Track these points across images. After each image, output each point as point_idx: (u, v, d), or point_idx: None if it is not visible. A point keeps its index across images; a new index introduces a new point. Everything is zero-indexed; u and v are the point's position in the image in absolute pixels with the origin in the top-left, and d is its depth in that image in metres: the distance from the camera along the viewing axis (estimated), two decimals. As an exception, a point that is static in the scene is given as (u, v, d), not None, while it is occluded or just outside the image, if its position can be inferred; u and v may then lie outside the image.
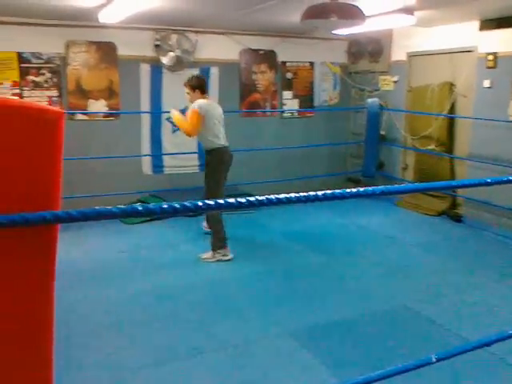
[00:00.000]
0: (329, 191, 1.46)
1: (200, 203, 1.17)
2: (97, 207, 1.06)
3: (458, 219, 5.93)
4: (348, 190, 1.48)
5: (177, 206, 1.13)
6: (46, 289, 1.11)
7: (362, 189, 1.50)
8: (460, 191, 6.09)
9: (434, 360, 1.64)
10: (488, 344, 1.69)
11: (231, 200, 1.29)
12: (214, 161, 4.71)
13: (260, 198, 1.34)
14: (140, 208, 1.08)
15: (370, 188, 1.52)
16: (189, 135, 4.63)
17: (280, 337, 3.27)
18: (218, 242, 4.67)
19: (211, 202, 1.27)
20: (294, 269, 4.50)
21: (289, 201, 1.39)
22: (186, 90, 4.69)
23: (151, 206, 1.10)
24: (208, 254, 4.68)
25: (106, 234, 5.41)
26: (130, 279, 4.24)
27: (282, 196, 1.38)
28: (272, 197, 1.36)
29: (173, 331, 3.33)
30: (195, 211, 1.16)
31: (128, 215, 1.10)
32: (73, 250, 4.90)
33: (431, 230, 5.68)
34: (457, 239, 5.37)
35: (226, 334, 3.31)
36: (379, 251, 4.98)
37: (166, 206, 1.12)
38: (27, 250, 1.04)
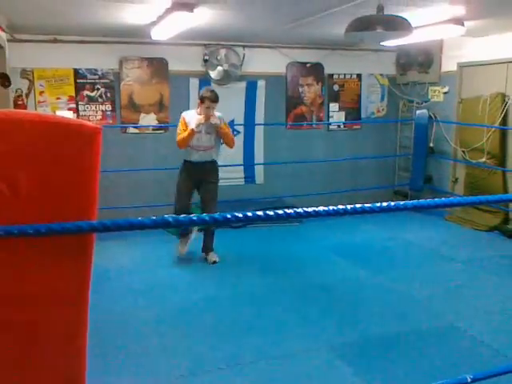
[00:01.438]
0: (376, 204, 1.45)
1: (229, 216, 1.21)
2: (130, 218, 1.12)
3: (510, 235, 5.70)
4: (393, 203, 1.47)
5: (206, 218, 1.18)
6: (82, 294, 1.17)
7: (408, 202, 1.49)
8: (513, 206, 5.87)
9: (468, 380, 1.60)
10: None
11: (280, 212, 1.32)
12: (218, 169, 5.13)
13: (307, 209, 1.35)
14: (170, 219, 1.14)
15: (415, 201, 1.51)
16: (231, 146, 5.13)
17: (320, 350, 3.26)
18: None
19: (255, 213, 1.30)
20: (337, 282, 4.47)
21: (336, 213, 1.40)
22: (214, 105, 4.72)
23: (181, 217, 1.15)
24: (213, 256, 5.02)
25: (152, 244, 5.56)
26: (175, 289, 4.33)
27: (329, 208, 1.39)
28: (318, 209, 1.37)
29: (213, 342, 3.37)
30: (217, 224, 1.20)
31: (158, 226, 1.16)
32: (120, 259, 5.08)
33: (482, 246, 5.49)
34: (509, 256, 5.16)
35: (265, 345, 3.32)
36: (426, 267, 4.86)
37: (195, 218, 1.17)
38: (64, 257, 1.12)
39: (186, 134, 4.69)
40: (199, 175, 4.89)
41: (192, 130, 4.66)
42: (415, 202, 1.44)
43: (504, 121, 5.89)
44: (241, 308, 3.94)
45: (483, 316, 3.74)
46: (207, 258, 5.00)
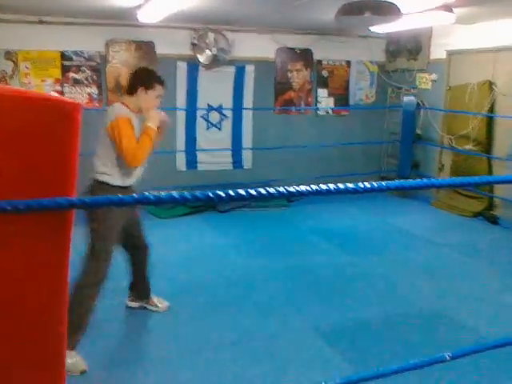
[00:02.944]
0: (360, 184, 1.45)
1: (211, 194, 1.21)
2: (110, 196, 1.12)
3: (494, 221, 5.77)
4: (376, 184, 1.47)
5: (188, 196, 1.18)
6: (61, 273, 1.17)
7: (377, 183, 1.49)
8: (497, 192, 5.93)
9: (447, 358, 1.63)
10: (505, 344, 1.67)
11: (263, 191, 1.32)
12: None
13: (290, 189, 1.35)
14: (151, 197, 1.14)
15: (397, 182, 1.51)
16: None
17: (304, 332, 3.29)
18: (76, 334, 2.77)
19: (230, 193, 1.30)
20: (322, 266, 4.49)
21: (319, 192, 1.39)
22: (162, 91, 3.10)
23: (162, 195, 1.15)
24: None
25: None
26: (161, 272, 4.33)
27: (312, 188, 1.38)
28: (302, 188, 1.37)
29: (197, 324, 3.39)
30: (202, 201, 1.20)
31: (139, 203, 1.16)
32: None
33: (466, 232, 5.56)
34: (492, 241, 5.23)
35: (250, 327, 3.35)
36: (410, 252, 4.91)
37: (176, 196, 1.17)
38: (42, 236, 1.11)
39: (146, 140, 2.89)
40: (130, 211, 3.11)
41: (152, 129, 2.93)
42: (397, 182, 1.46)
43: (491, 108, 5.93)
44: (226, 289, 3.96)
45: (465, 300, 3.80)
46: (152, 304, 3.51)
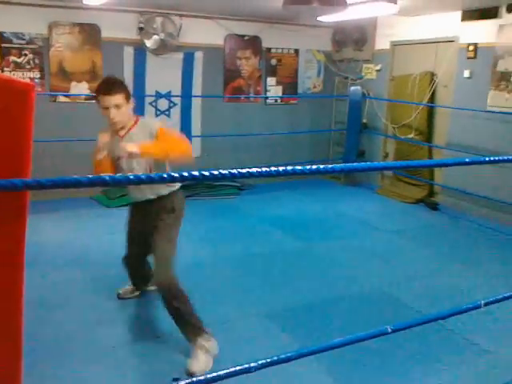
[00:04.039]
0: (307, 166, 1.52)
1: (165, 175, 1.23)
2: (66, 177, 1.11)
3: (434, 207, 6.06)
4: (322, 166, 1.55)
5: (143, 177, 1.19)
6: (16, 253, 1.16)
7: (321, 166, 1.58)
8: (437, 179, 6.22)
9: (389, 330, 1.73)
10: (443, 317, 1.79)
11: (217, 172, 1.35)
12: (179, 205, 3.08)
13: (242, 170, 1.38)
14: (107, 178, 1.14)
15: (342, 165, 1.60)
16: (189, 156, 2.76)
17: (256, 317, 3.35)
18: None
19: (184, 174, 1.32)
20: (272, 253, 4.57)
21: (269, 174, 1.44)
22: (117, 100, 2.70)
23: (118, 176, 1.16)
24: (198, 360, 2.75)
25: (86, 217, 5.44)
26: (112, 261, 4.27)
27: (263, 169, 1.43)
28: (253, 170, 1.41)
29: (151, 311, 3.39)
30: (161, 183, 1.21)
31: (95, 184, 1.16)
32: (53, 232, 4.93)
33: (408, 218, 5.81)
34: (432, 226, 5.50)
35: (202, 314, 3.36)
36: (357, 237, 5.08)
37: (132, 178, 1.17)
38: (-3, 216, 1.10)
39: (95, 161, 2.86)
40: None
41: (96, 160, 2.83)
42: (342, 165, 1.53)
43: (431, 98, 6.19)
44: (178, 277, 3.95)
45: (407, 282, 3.99)
46: None
